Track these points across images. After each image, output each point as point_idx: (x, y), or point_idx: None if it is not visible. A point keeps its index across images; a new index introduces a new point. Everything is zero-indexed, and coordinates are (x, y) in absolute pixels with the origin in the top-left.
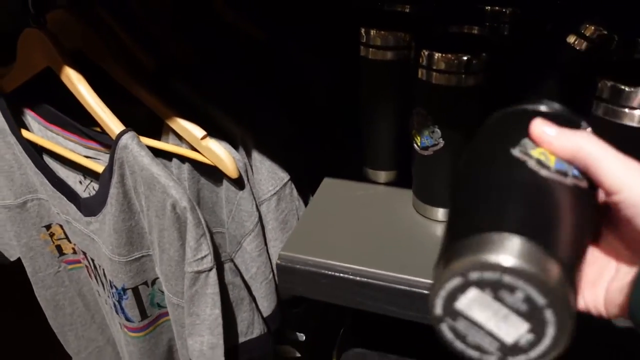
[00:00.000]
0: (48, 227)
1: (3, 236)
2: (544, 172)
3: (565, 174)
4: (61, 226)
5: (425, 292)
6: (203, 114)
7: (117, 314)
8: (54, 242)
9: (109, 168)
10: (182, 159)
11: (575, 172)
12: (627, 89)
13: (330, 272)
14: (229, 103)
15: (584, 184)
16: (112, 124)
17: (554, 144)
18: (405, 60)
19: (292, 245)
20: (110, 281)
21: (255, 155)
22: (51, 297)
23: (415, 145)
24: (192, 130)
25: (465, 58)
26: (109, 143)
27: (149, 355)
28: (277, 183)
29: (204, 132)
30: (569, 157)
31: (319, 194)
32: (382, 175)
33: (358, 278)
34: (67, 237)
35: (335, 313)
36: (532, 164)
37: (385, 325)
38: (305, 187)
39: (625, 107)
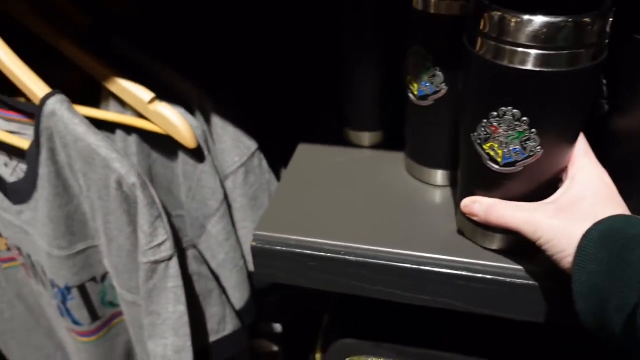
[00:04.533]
0: None
1: None
2: (495, 167)
3: (513, 164)
4: None
5: (437, 269)
6: (150, 76)
7: (62, 316)
8: None
9: (36, 142)
10: (128, 129)
11: (523, 154)
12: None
13: (318, 253)
14: (180, 64)
15: (535, 158)
16: (35, 87)
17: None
18: None
19: (269, 223)
20: (51, 280)
21: (217, 121)
22: None
23: (410, 95)
24: (137, 93)
25: None
26: (26, 110)
27: None
28: (243, 153)
29: (152, 95)
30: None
31: (295, 162)
32: (367, 137)
33: (353, 258)
34: None
35: (315, 300)
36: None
37: (378, 312)
38: (277, 157)
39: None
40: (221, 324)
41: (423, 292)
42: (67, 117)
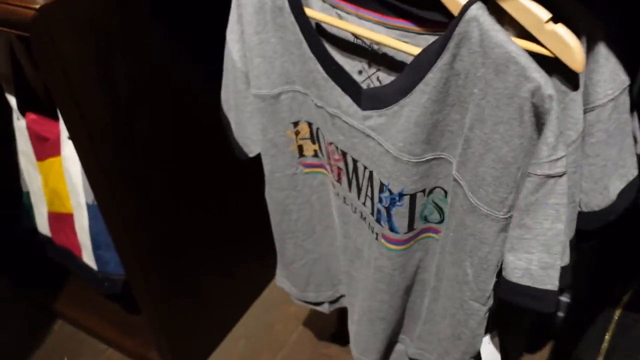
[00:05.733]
0: (296, 124)
1: (246, 129)
2: None
3: None
4: (309, 124)
5: None
6: None
7: (380, 222)
8: (297, 141)
9: (439, 46)
10: None
11: None
12: None
13: None
14: None
15: None
16: None
17: None
18: None
19: None
20: (383, 185)
21: (601, 51)
22: (282, 200)
23: None
24: (535, 11)
25: None
26: (429, 18)
27: (400, 271)
28: (617, 86)
29: (549, 14)
30: None
31: None
32: None
33: None
34: (312, 138)
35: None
36: None
37: None
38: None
39: None
40: (566, 251)
41: None
42: (488, 24)
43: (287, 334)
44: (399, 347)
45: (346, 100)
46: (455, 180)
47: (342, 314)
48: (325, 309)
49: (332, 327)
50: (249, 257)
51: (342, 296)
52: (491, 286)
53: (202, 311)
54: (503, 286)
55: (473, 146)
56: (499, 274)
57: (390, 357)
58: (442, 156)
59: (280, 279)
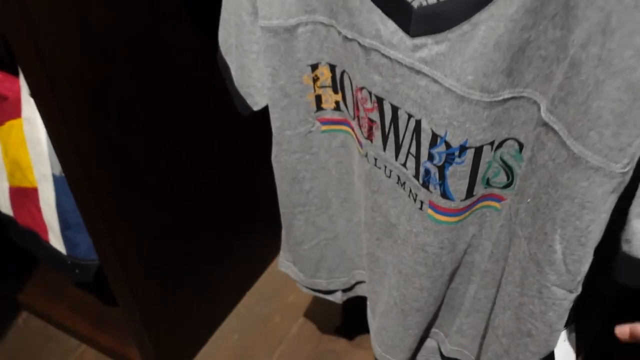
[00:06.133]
0: (314, 67)
1: (251, 76)
2: None
3: None
4: (332, 68)
5: None
6: None
7: (428, 187)
8: (315, 90)
9: None
10: None
11: None
12: None
13: None
14: None
15: None
16: None
17: None
18: None
19: None
20: (437, 136)
21: None
22: (292, 165)
23: None
24: None
25: None
26: None
27: (448, 250)
28: None
29: None
30: None
31: None
32: None
33: None
34: (334, 85)
35: None
36: None
37: None
38: None
39: None
40: None
41: None
42: None
43: (285, 327)
44: (429, 342)
45: (389, 26)
46: (544, 125)
47: (349, 302)
48: (337, 298)
49: (338, 318)
50: (243, 239)
51: (359, 283)
52: (586, 267)
53: (188, 302)
54: (625, 266)
55: (585, 72)
56: (596, 251)
57: (418, 355)
58: (524, 95)
59: (285, 264)
